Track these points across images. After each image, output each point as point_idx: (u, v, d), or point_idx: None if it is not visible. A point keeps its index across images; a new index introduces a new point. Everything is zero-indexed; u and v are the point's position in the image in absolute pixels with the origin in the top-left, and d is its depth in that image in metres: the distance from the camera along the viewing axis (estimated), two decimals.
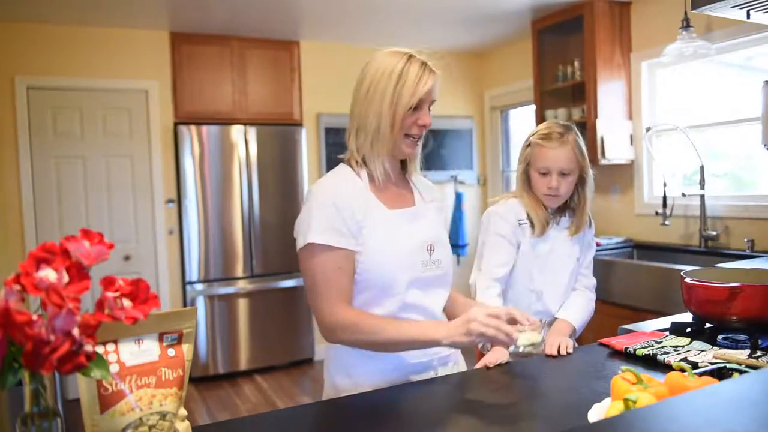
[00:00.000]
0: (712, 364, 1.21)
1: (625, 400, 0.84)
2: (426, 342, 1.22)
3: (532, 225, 1.74)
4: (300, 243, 1.27)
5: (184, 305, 4.26)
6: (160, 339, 0.89)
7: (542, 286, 1.75)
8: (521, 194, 1.78)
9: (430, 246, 1.34)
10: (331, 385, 1.35)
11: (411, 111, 1.28)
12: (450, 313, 1.45)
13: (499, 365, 1.36)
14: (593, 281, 1.86)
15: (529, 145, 1.76)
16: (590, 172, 1.76)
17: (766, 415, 0.66)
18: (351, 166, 1.35)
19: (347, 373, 1.32)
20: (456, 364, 1.43)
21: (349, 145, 1.35)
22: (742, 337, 1.40)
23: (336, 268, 1.24)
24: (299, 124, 4.60)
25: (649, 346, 1.38)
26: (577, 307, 1.76)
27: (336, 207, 1.25)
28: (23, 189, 3.85)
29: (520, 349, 1.31)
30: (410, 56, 1.29)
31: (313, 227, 1.24)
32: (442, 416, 1.10)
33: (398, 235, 1.30)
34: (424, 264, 1.32)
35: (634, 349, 1.36)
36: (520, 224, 1.74)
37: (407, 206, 1.37)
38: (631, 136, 3.78)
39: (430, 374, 1.35)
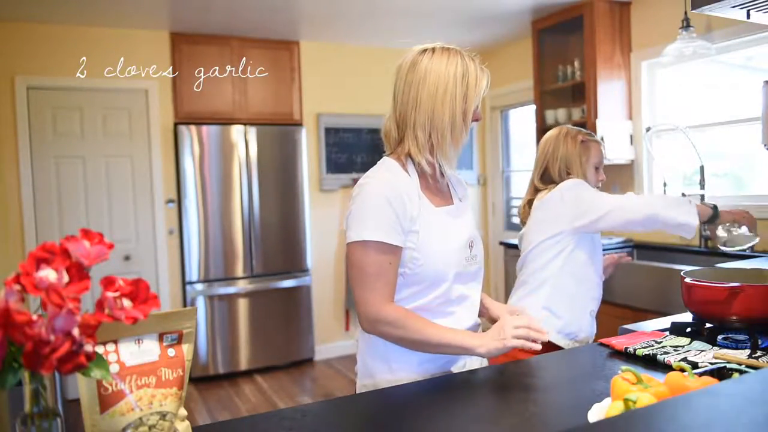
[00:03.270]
0: (712, 364, 1.21)
1: (625, 400, 0.84)
2: (462, 348, 1.29)
3: None
4: (352, 237, 1.30)
5: (184, 305, 4.26)
6: (160, 339, 0.89)
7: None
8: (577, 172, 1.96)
9: (471, 242, 1.41)
10: (368, 374, 1.40)
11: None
12: None
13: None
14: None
15: (582, 142, 1.92)
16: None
17: (766, 415, 0.66)
18: (399, 162, 1.37)
19: (386, 363, 1.37)
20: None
21: (406, 142, 1.36)
22: (742, 337, 1.40)
23: (387, 263, 1.29)
24: (299, 124, 4.60)
25: (649, 346, 1.38)
26: None
27: (390, 203, 1.29)
28: (23, 189, 3.85)
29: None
30: (462, 54, 1.35)
31: (367, 224, 1.27)
32: (441, 416, 1.10)
33: (447, 232, 1.36)
34: (466, 260, 1.39)
35: (634, 349, 1.36)
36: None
37: (449, 204, 1.43)
38: (631, 136, 3.78)
39: (460, 365, 1.42)
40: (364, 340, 1.42)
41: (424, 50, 1.35)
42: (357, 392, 1.40)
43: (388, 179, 1.33)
